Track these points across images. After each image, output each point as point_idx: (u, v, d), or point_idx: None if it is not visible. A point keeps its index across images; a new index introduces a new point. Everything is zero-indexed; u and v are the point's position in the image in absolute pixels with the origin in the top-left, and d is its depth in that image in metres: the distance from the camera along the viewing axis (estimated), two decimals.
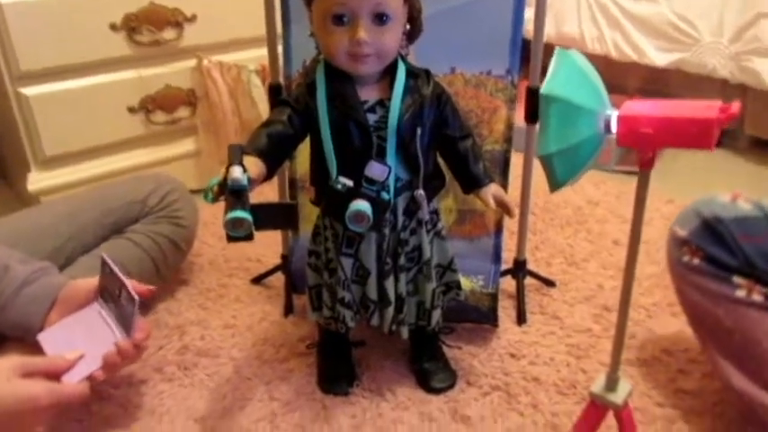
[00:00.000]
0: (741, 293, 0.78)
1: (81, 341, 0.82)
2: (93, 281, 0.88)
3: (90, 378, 0.78)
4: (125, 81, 1.32)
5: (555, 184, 0.56)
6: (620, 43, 1.84)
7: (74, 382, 0.77)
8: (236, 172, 0.63)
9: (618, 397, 0.68)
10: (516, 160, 1.01)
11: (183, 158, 1.44)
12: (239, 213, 0.62)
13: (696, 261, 0.82)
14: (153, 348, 0.99)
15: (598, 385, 0.69)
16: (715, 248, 0.80)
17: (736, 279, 0.79)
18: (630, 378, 0.93)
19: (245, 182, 0.63)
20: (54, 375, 0.76)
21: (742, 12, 1.60)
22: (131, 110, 1.34)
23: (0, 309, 0.82)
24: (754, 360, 0.77)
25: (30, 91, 1.22)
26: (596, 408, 0.70)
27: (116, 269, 0.83)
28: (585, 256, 1.24)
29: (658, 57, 1.78)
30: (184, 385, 0.93)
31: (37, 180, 1.28)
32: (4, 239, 0.90)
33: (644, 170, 0.60)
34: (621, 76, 1.93)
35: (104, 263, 0.85)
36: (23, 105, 1.22)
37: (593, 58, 1.93)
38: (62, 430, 0.84)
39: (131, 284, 0.82)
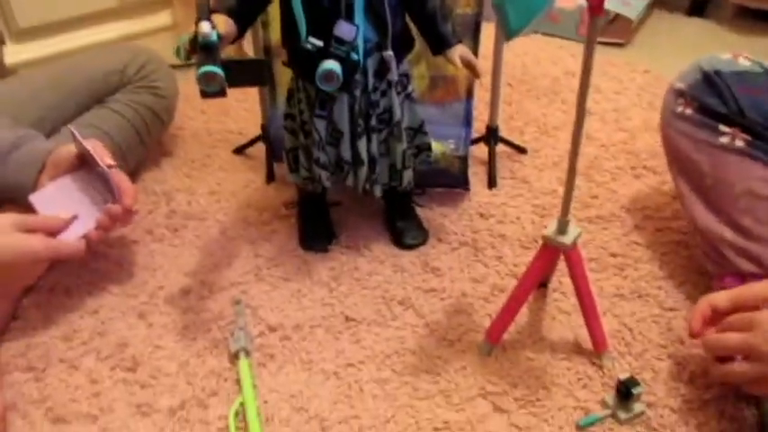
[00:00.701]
0: (725, 140, 0.84)
1: (72, 203, 0.87)
2: (77, 143, 0.90)
3: (85, 237, 0.84)
4: None
5: (508, 32, 0.58)
6: None
7: (70, 240, 0.82)
8: (205, 27, 0.65)
9: (568, 238, 0.74)
10: (488, 27, 1.02)
11: (160, 31, 1.43)
12: (210, 68, 0.65)
13: (689, 111, 0.88)
14: (143, 212, 1.05)
15: (550, 229, 0.75)
16: (709, 98, 0.86)
17: (722, 127, 0.85)
18: (589, 234, 1.01)
19: (214, 37, 0.65)
20: (50, 233, 0.81)
21: None
22: None
23: None
24: (722, 199, 0.84)
25: None
26: (548, 250, 0.76)
27: (82, 141, 0.86)
28: (558, 125, 1.28)
29: None
30: (174, 245, 1.00)
31: (14, 52, 1.28)
32: None
33: (594, 17, 0.62)
34: None
35: (73, 135, 0.88)
36: None
37: None
38: (62, 284, 0.92)
39: (98, 153, 0.86)
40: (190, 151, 1.21)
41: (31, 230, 0.77)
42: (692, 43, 1.61)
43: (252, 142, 1.18)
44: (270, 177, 1.13)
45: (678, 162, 0.92)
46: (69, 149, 0.89)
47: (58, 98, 1.01)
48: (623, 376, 0.74)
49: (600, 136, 1.24)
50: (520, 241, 1.00)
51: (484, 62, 1.12)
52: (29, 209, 0.86)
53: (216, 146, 1.23)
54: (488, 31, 1.01)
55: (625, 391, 0.73)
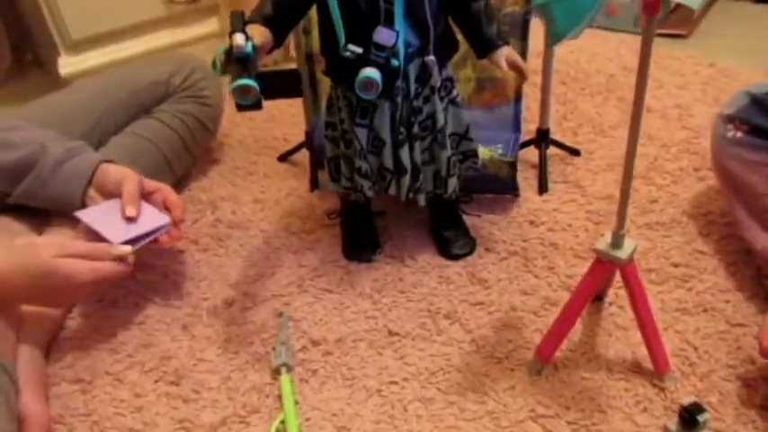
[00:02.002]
0: None
1: (120, 222, 0.85)
2: (124, 170, 0.90)
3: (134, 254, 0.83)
4: None
5: (554, 35, 0.54)
6: None
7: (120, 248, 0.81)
8: (239, 39, 0.63)
9: (623, 253, 0.69)
10: (538, 24, 0.97)
11: (207, 39, 1.44)
12: (245, 81, 0.63)
13: (739, 134, 0.88)
14: (188, 222, 1.05)
15: (603, 242, 0.71)
16: (760, 119, 0.85)
17: None
18: (649, 241, 0.95)
19: (248, 49, 0.64)
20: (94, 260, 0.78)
21: None
22: None
23: (41, 185, 0.86)
24: None
25: None
26: (602, 264, 0.72)
27: (87, 222, 0.85)
28: (614, 124, 1.22)
29: None
30: (219, 255, 1.00)
31: (67, 64, 1.32)
32: (37, 122, 0.93)
33: (649, 17, 0.57)
34: None
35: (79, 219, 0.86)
36: None
37: None
38: (109, 295, 0.93)
39: (134, 186, 0.87)
40: (236, 158, 1.21)
41: (78, 256, 0.75)
42: (761, 32, 1.51)
43: (296, 149, 1.17)
44: (314, 185, 1.11)
45: (733, 187, 0.89)
46: (119, 171, 0.89)
47: (106, 109, 1.02)
48: (687, 401, 0.68)
49: (661, 135, 1.17)
50: (573, 250, 0.95)
51: (535, 60, 1.07)
52: (77, 222, 0.87)
53: (261, 153, 1.22)
54: (538, 29, 0.96)
55: (689, 418, 0.68)
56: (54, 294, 0.75)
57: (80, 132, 0.98)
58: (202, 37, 1.43)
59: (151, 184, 0.90)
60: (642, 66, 0.61)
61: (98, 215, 0.86)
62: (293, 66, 1.02)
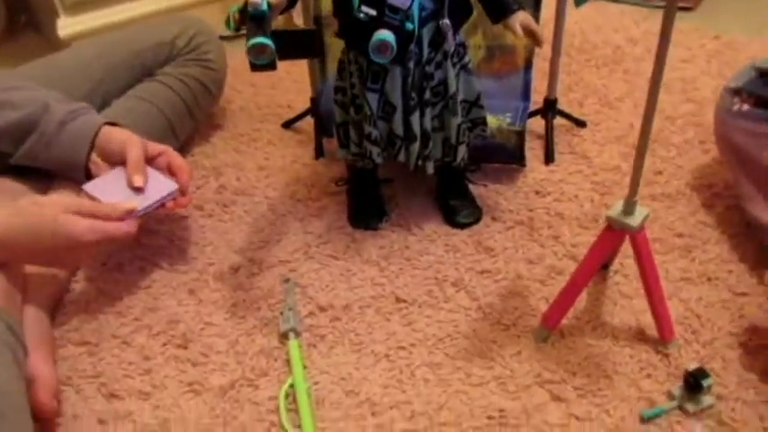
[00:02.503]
0: None
1: (126, 190, 0.84)
2: (127, 133, 0.88)
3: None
4: None
5: None
6: None
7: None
8: None
9: (634, 220, 0.70)
10: None
11: (209, 2, 1.41)
12: (261, 39, 0.62)
13: (746, 107, 0.87)
14: (192, 188, 1.04)
15: (615, 210, 0.71)
16: (766, 91, 0.85)
17: None
18: (654, 212, 0.95)
19: (264, 7, 0.63)
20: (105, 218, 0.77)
21: None
22: None
23: (44, 146, 0.85)
24: None
25: None
26: (612, 232, 0.72)
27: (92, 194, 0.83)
28: (620, 96, 1.21)
29: None
30: (224, 221, 0.99)
31: (66, 25, 1.29)
32: (38, 82, 0.91)
33: None
34: None
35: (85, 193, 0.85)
36: None
37: None
38: (114, 259, 0.92)
39: (139, 149, 0.86)
40: (239, 125, 1.20)
41: (82, 214, 0.74)
42: (762, 6, 1.50)
43: (301, 116, 1.16)
44: (318, 152, 1.10)
45: (738, 159, 0.88)
46: (122, 132, 0.87)
47: (108, 71, 1.00)
48: (692, 367, 0.70)
49: (665, 107, 1.16)
50: (578, 220, 0.95)
51: (542, 29, 1.06)
52: (81, 185, 0.86)
53: (265, 120, 1.21)
54: None
55: (694, 383, 0.69)
56: (58, 254, 0.74)
57: (82, 93, 0.97)
58: (203, 1, 1.40)
59: (155, 147, 0.89)
60: (662, 44, 0.61)
61: (104, 186, 0.84)
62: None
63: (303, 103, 1.16)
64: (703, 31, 1.40)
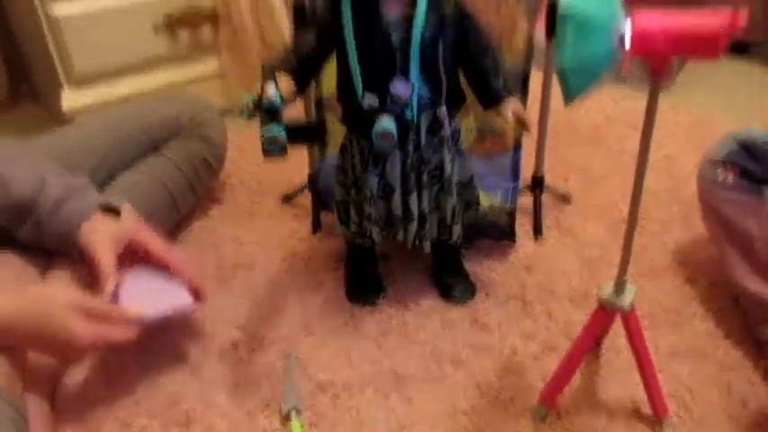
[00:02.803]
0: None
1: (143, 294, 0.84)
2: (134, 224, 0.88)
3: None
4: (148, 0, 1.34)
5: (569, 97, 0.58)
6: None
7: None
8: (271, 90, 0.66)
9: (625, 301, 0.73)
10: (537, 76, 1.02)
11: (209, 78, 1.46)
12: (274, 130, 0.66)
13: (730, 177, 0.90)
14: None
15: (606, 291, 0.74)
16: (750, 163, 0.88)
17: (767, 191, 0.85)
18: (640, 287, 0.97)
19: (279, 100, 0.67)
20: (108, 323, 0.77)
21: None
22: (156, 28, 1.36)
23: (39, 227, 0.85)
24: None
25: (59, 10, 1.25)
26: (604, 313, 0.75)
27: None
28: (604, 173, 1.27)
29: None
30: (223, 296, 1.00)
31: (70, 98, 1.32)
32: (46, 157, 0.93)
33: (655, 79, 0.62)
34: None
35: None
36: (53, 25, 1.26)
37: None
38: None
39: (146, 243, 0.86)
40: (238, 199, 1.23)
41: (89, 315, 0.74)
42: (737, 83, 1.59)
43: (299, 191, 1.19)
44: (316, 227, 1.13)
45: (724, 230, 0.91)
46: (129, 224, 0.87)
47: (113, 146, 1.03)
48: None
49: (648, 183, 1.16)
50: (569, 296, 0.98)
51: (530, 110, 1.12)
52: (77, 262, 0.86)
53: (264, 194, 1.24)
54: (537, 79, 1.01)
55: None
56: (56, 348, 0.75)
57: (88, 168, 0.98)
58: (204, 76, 1.46)
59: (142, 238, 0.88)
60: (647, 126, 0.66)
61: (124, 285, 0.84)
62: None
63: (301, 177, 1.19)
64: (678, 108, 1.48)
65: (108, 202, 0.89)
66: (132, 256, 0.87)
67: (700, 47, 0.54)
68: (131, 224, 0.88)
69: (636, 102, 1.52)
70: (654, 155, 1.32)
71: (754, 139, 0.89)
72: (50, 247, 0.89)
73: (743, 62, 1.70)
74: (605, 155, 1.34)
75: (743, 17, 0.51)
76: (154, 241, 0.88)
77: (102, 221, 0.86)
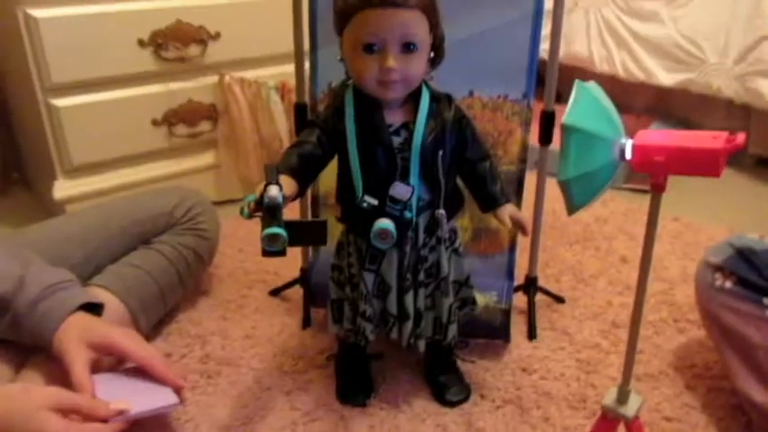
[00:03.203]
0: None
1: (127, 392, 0.81)
2: (109, 329, 0.85)
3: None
4: (150, 95, 1.37)
5: (572, 207, 0.59)
6: (629, 63, 1.89)
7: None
8: (273, 190, 0.67)
9: (629, 409, 0.71)
10: (530, 179, 1.05)
11: (204, 171, 1.48)
12: (275, 230, 0.66)
13: (728, 284, 0.89)
14: (176, 356, 1.03)
15: (609, 398, 0.72)
16: (748, 272, 0.88)
17: (767, 300, 0.85)
18: (638, 393, 0.96)
19: (280, 200, 0.67)
20: (91, 418, 0.74)
21: (746, 34, 1.64)
22: (155, 122, 1.38)
23: (15, 326, 0.82)
24: None
25: (60, 102, 1.27)
26: (607, 421, 0.73)
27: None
28: (594, 273, 1.28)
29: (665, 77, 1.82)
30: (207, 393, 0.96)
31: (63, 188, 1.32)
32: (34, 248, 0.92)
33: (655, 193, 0.64)
34: (630, 96, 1.97)
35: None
36: (53, 116, 1.27)
37: (601, 77, 1.99)
38: None
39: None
40: (226, 291, 1.21)
41: (67, 412, 0.71)
42: (716, 190, 1.64)
43: (290, 285, 1.18)
44: (306, 322, 1.11)
45: (725, 336, 0.90)
46: (106, 328, 0.84)
47: (105, 239, 1.02)
48: None
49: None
50: (567, 400, 0.96)
51: (524, 211, 1.14)
52: (55, 358, 0.82)
53: (252, 286, 1.22)
54: (530, 180, 1.03)
55: None
56: None
57: (76, 260, 0.97)
58: (200, 169, 1.48)
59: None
60: (648, 238, 0.66)
61: (104, 383, 0.81)
62: None
63: (291, 270, 1.18)
64: (663, 212, 1.50)
65: (89, 300, 0.86)
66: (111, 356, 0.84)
67: (701, 165, 0.56)
68: (107, 328, 0.84)
69: (623, 202, 1.55)
70: (640, 255, 1.34)
71: (752, 247, 0.89)
72: (27, 343, 0.85)
73: (729, 170, 1.76)
74: (594, 254, 1.35)
75: (741, 138, 0.53)
76: (133, 343, 0.84)
77: (77, 325, 0.82)
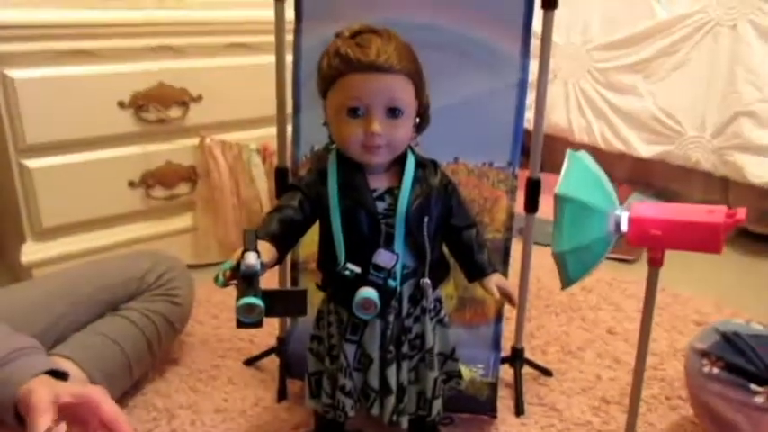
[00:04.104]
0: (760, 399, 0.83)
1: None
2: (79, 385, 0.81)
3: None
4: (128, 156, 1.34)
5: (567, 280, 0.57)
6: (608, 135, 1.92)
7: None
8: (251, 258, 0.63)
9: None
10: (515, 247, 1.02)
11: (181, 234, 1.44)
12: (251, 300, 0.62)
13: (716, 370, 0.88)
14: None
15: None
16: (735, 357, 0.87)
17: (754, 387, 0.84)
18: None
19: (258, 267, 0.63)
20: None
21: (722, 109, 1.68)
22: (132, 184, 1.35)
23: None
24: None
25: (33, 163, 1.23)
26: None
27: None
28: (581, 345, 1.24)
29: (644, 149, 1.85)
30: None
31: (31, 252, 1.27)
32: None
33: (653, 268, 0.61)
34: (609, 166, 1.96)
35: None
36: (25, 177, 1.23)
37: (580, 147, 2.01)
38: None
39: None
40: (197, 360, 1.15)
41: None
42: (700, 261, 1.62)
43: (265, 354, 1.12)
44: (282, 395, 1.05)
45: (715, 423, 0.89)
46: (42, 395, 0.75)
47: (72, 306, 0.96)
48: None
49: (628, 359, 1.19)
50: None
51: (510, 280, 1.11)
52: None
53: (225, 355, 1.16)
54: (516, 248, 1.01)
55: None
56: None
57: (39, 328, 0.91)
58: (177, 232, 1.44)
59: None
60: (645, 317, 0.64)
61: None
62: None
63: (266, 337, 1.13)
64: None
65: (54, 368, 0.80)
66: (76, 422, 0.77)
67: (700, 240, 0.54)
68: (76, 385, 0.79)
69: (608, 272, 1.53)
70: (629, 327, 1.30)
71: (738, 332, 0.89)
72: None
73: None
74: (581, 325, 1.32)
75: (742, 213, 0.51)
76: (104, 397, 0.78)
77: (43, 383, 0.76)
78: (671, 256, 1.59)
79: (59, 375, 0.81)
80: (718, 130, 1.69)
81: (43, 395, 0.73)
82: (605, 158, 1.94)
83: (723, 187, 1.80)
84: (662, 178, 1.95)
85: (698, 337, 0.94)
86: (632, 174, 2.01)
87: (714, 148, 1.70)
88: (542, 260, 1.56)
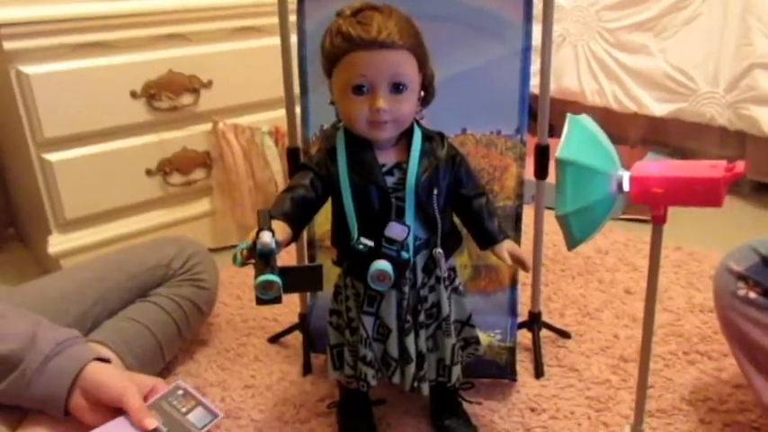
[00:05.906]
0: None
1: None
2: (120, 378, 0.82)
3: None
4: (144, 145, 1.37)
5: (572, 242, 0.58)
6: (620, 95, 1.90)
7: None
8: (266, 237, 0.65)
9: None
10: (527, 213, 1.04)
11: (199, 218, 1.47)
12: (269, 276, 0.64)
13: (753, 295, 0.84)
14: None
15: None
16: None
17: None
18: (652, 430, 0.93)
19: (273, 246, 0.65)
20: None
21: (735, 62, 1.66)
22: (149, 172, 1.38)
23: (25, 386, 0.79)
24: None
25: (53, 157, 1.26)
26: None
27: (192, 391, 0.84)
28: (599, 306, 1.25)
29: (657, 107, 1.83)
30: None
31: (57, 243, 1.31)
32: (31, 304, 0.90)
33: (656, 225, 0.62)
34: (622, 127, 1.98)
35: (178, 387, 0.84)
36: (47, 170, 1.27)
37: (593, 110, 2.00)
38: None
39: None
40: (224, 340, 1.18)
41: None
42: (716, 217, 1.63)
43: (288, 331, 1.15)
44: (306, 369, 1.08)
45: (747, 348, 0.86)
46: (114, 378, 0.81)
47: (102, 294, 1.00)
48: None
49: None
50: None
51: (523, 247, 1.12)
52: (57, 420, 0.80)
53: (251, 333, 1.20)
54: (528, 214, 1.02)
55: None
56: None
57: (73, 317, 0.95)
58: (196, 217, 1.47)
59: (146, 385, 0.83)
60: (652, 271, 0.65)
61: None
62: None
63: (289, 316, 1.16)
64: (664, 242, 1.48)
65: (98, 355, 0.84)
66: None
67: (701, 195, 0.54)
68: (116, 389, 0.80)
69: (623, 233, 1.54)
70: (644, 287, 1.31)
71: None
72: (30, 405, 0.82)
73: (728, 196, 1.75)
74: (598, 287, 1.33)
75: (741, 166, 0.52)
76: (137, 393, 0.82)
77: (104, 373, 0.81)
78: (686, 215, 1.60)
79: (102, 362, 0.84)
80: (731, 85, 1.67)
81: (135, 397, 0.78)
82: (619, 120, 1.93)
83: (739, 142, 1.78)
84: (677, 136, 1.93)
85: (733, 257, 0.88)
86: (647, 133, 1.99)
87: (728, 102, 1.68)
88: (556, 226, 1.56)
